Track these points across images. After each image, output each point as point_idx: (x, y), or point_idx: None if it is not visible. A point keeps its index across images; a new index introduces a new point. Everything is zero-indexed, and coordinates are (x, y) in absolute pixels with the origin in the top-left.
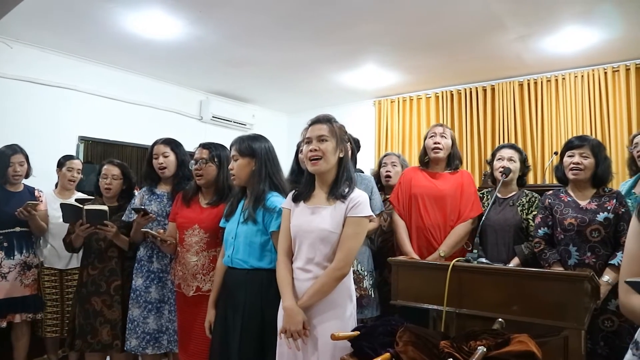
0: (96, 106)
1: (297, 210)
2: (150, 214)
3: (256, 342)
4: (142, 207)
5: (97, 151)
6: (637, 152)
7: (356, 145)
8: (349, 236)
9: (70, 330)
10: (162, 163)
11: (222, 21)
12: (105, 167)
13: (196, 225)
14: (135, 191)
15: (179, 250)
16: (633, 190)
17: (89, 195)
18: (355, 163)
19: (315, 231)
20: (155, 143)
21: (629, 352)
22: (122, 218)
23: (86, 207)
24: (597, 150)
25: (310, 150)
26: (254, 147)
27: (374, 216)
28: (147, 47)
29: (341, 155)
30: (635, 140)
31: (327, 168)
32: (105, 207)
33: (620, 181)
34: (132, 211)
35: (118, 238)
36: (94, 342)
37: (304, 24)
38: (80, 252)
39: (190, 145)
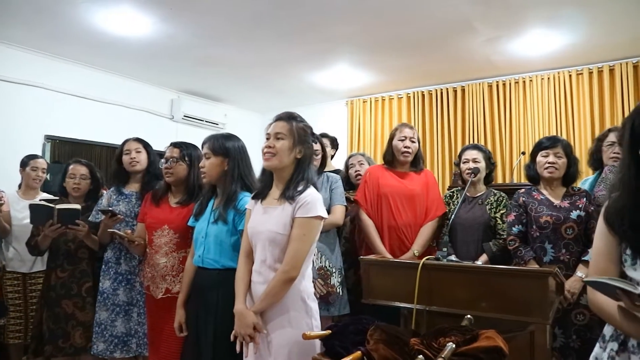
0: (63, 104)
1: (255, 210)
2: (118, 215)
3: (229, 343)
4: (109, 208)
5: (64, 151)
6: (613, 153)
7: (333, 144)
8: (296, 238)
9: (34, 336)
10: (134, 158)
11: (193, 19)
12: (72, 166)
13: (165, 226)
14: (103, 191)
15: (148, 252)
16: (594, 190)
17: (54, 195)
18: (324, 164)
19: (265, 232)
20: (127, 140)
21: (597, 345)
22: (89, 219)
23: (58, 206)
24: (569, 150)
25: (266, 147)
26: (228, 146)
27: (326, 215)
28: (116, 45)
29: (299, 156)
30: (610, 138)
31: (278, 166)
32: (77, 206)
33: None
34: (99, 212)
35: (89, 238)
36: (66, 346)
37: (277, 24)
38: (46, 255)
39: (161, 144)
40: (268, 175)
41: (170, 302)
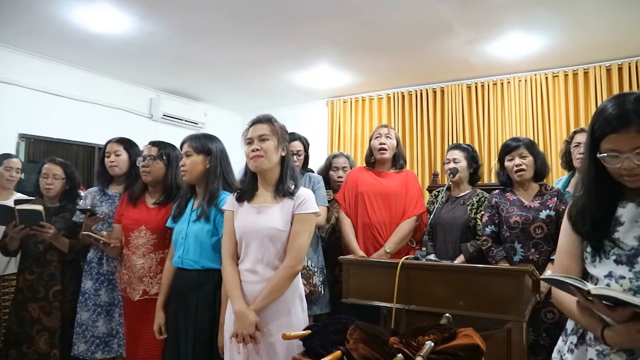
0: (39, 102)
1: (241, 211)
2: (98, 215)
3: (209, 346)
4: (89, 207)
5: (40, 150)
6: (579, 153)
7: (305, 144)
8: (299, 233)
9: (5, 340)
10: (113, 161)
11: (173, 17)
12: (45, 166)
13: (143, 227)
14: (81, 191)
15: (125, 253)
16: (567, 189)
17: (29, 196)
18: (306, 164)
19: (264, 230)
20: (109, 141)
21: (560, 339)
22: (73, 219)
23: (18, 207)
24: (532, 147)
25: (252, 150)
26: (210, 146)
27: (319, 212)
28: (94, 42)
29: (283, 154)
30: (576, 139)
31: (268, 166)
32: (39, 207)
33: (557, 177)
34: (80, 212)
35: (57, 240)
36: (30, 351)
37: (258, 23)
38: (19, 256)
39: (140, 143)
40: (252, 177)
41: (148, 304)
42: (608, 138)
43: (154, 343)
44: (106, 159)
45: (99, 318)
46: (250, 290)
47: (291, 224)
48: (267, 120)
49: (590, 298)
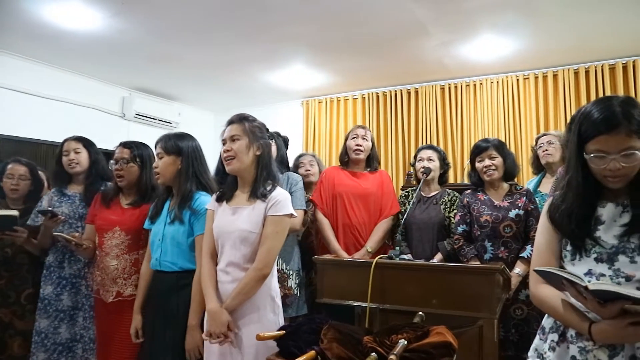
0: (6, 100)
1: (219, 211)
2: (59, 216)
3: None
4: (49, 209)
5: (6, 149)
6: (543, 151)
7: (284, 143)
8: (269, 236)
9: None
10: (73, 159)
11: (146, 15)
12: (10, 166)
13: (117, 228)
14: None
15: (98, 254)
16: (539, 189)
17: None
18: (283, 161)
19: (236, 231)
20: (66, 140)
21: (537, 337)
22: (27, 222)
23: None
24: (501, 147)
25: (224, 151)
26: (181, 145)
27: (295, 214)
28: (64, 39)
29: (257, 153)
30: (540, 141)
31: (241, 167)
32: (15, 212)
33: (527, 179)
34: (39, 214)
35: (29, 243)
36: (4, 357)
37: (232, 22)
38: None
39: (111, 143)
40: (232, 178)
41: (122, 306)
42: (596, 139)
43: (128, 346)
44: (64, 158)
45: (62, 324)
46: (224, 290)
47: (263, 225)
48: (239, 119)
49: (582, 293)
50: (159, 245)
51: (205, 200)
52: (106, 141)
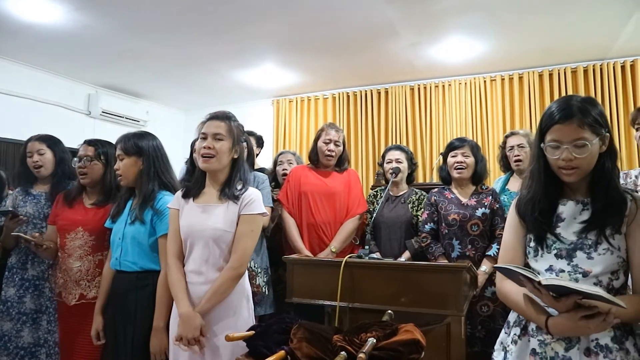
0: None
1: (186, 209)
2: (21, 216)
3: (149, 349)
4: (11, 209)
5: None
6: (514, 156)
7: (259, 142)
8: (244, 234)
9: None
10: (37, 161)
11: (113, 10)
12: None
13: (80, 228)
14: (9, 192)
15: (60, 255)
16: (507, 187)
17: None
18: (253, 163)
19: (209, 230)
20: (29, 140)
21: (502, 331)
22: None
23: None
24: (476, 150)
25: (204, 147)
26: (141, 145)
27: (267, 212)
28: (25, 32)
29: (235, 156)
30: (509, 142)
31: (218, 168)
32: None
33: (494, 178)
34: (0, 215)
35: None
36: None
37: (202, 19)
38: None
39: (77, 141)
40: (200, 174)
41: (85, 309)
42: (552, 129)
43: (91, 349)
44: (28, 159)
45: (24, 327)
46: (195, 292)
47: (237, 224)
48: (226, 117)
49: (538, 288)
50: (119, 245)
51: (169, 200)
52: (72, 140)
